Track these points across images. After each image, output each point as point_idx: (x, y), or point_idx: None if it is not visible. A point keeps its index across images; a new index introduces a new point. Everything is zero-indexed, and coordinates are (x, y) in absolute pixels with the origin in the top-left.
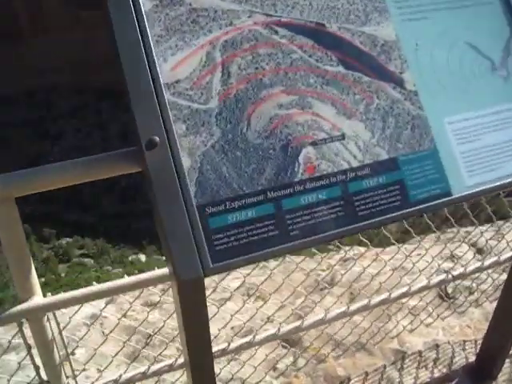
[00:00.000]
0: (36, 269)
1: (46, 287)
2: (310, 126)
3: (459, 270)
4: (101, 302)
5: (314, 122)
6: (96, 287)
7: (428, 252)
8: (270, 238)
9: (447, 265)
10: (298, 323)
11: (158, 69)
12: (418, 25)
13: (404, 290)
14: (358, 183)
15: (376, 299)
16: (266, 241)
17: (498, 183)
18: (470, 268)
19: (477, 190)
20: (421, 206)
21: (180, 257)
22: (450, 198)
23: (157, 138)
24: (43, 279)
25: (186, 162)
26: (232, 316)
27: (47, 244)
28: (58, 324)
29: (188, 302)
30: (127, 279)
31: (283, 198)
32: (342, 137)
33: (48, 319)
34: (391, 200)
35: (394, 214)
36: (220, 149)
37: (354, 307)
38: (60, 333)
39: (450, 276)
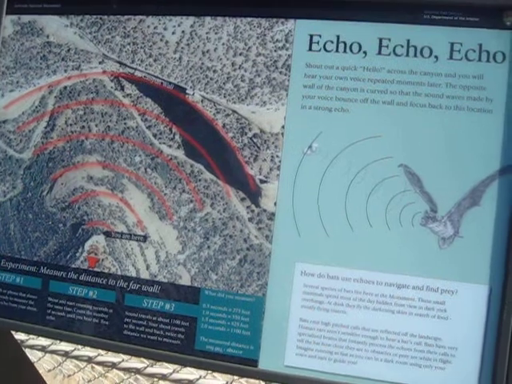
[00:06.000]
0: None
1: None
2: (112, 212)
3: None
4: None
5: (119, 209)
6: None
7: None
8: (28, 312)
9: None
10: None
11: None
12: (328, 119)
13: None
14: (138, 299)
15: None
16: (24, 313)
17: (330, 379)
18: None
19: (296, 375)
20: (206, 360)
21: None
22: (253, 368)
23: None
24: None
25: None
26: None
27: None
28: None
29: None
30: None
31: (52, 279)
32: (144, 238)
33: None
34: (171, 335)
35: (168, 353)
36: (16, 204)
37: None
38: None
39: None
